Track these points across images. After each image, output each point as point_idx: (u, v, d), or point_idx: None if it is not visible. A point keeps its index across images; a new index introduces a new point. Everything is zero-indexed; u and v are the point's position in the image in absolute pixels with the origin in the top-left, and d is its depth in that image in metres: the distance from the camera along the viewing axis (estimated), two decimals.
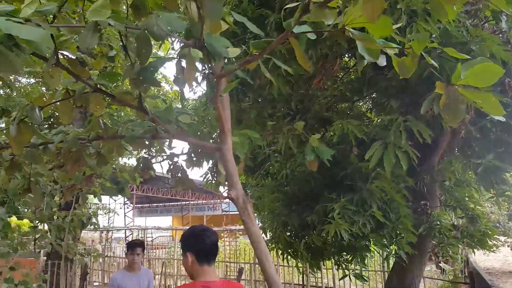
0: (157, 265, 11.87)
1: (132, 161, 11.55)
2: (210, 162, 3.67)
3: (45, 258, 7.75)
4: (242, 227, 12.74)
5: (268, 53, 1.50)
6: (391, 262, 4.10)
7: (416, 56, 1.31)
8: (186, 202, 31.65)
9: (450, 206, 4.05)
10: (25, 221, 7.11)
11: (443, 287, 8.44)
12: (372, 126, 3.33)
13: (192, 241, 2.00)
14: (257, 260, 7.19)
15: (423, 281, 6.08)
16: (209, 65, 3.32)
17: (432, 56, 2.16)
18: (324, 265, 6.80)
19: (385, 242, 3.33)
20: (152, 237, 22.16)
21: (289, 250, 4.37)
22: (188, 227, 2.20)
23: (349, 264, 3.61)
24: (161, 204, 34.74)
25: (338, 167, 3.43)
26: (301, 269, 5.77)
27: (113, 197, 29.87)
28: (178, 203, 32.93)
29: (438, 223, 3.62)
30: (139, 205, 33.77)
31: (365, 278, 3.66)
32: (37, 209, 5.70)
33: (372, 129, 3.14)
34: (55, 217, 5.73)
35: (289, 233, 4.24)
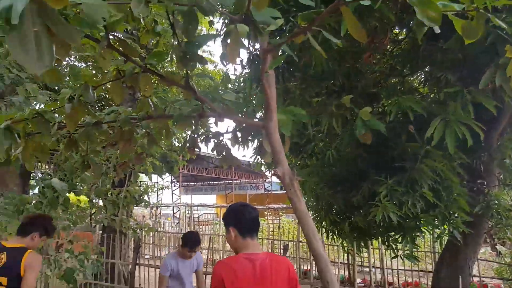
0: (203, 240, 12.30)
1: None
2: (255, 141, 3.68)
3: (100, 231, 8.26)
4: (285, 205, 12.84)
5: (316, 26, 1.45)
6: (443, 242, 3.94)
7: (484, 16, 1.19)
8: (230, 181, 32.28)
9: (509, 185, 3.81)
10: (82, 197, 7.56)
11: (499, 270, 8.07)
12: (427, 102, 3.16)
13: (233, 216, 2.12)
14: (301, 238, 7.20)
15: (477, 264, 5.83)
16: (254, 43, 3.31)
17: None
18: (371, 245, 6.71)
19: (437, 223, 3.21)
20: (198, 213, 22.89)
21: (334, 230, 4.34)
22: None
23: (398, 244, 3.51)
24: (206, 182, 35.71)
25: (386, 146, 3.31)
26: (346, 248, 5.73)
27: (161, 176, 31.15)
28: (222, 182, 33.69)
29: (496, 202, 3.41)
30: (185, 184, 34.91)
31: (417, 258, 3.56)
32: (92, 186, 6.04)
33: (428, 104, 2.98)
34: (109, 194, 6.05)
35: (334, 213, 4.19)
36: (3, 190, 7.33)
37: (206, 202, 27.89)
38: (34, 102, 6.11)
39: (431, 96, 3.66)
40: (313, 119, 3.34)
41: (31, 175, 9.40)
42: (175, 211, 25.34)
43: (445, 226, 3.18)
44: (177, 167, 5.12)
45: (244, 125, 2.74)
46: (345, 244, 4.67)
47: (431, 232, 3.50)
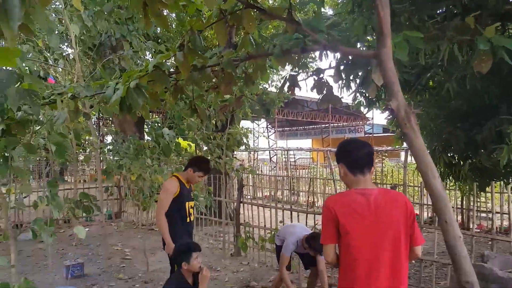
0: (300, 184, 12.56)
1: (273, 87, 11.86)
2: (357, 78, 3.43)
3: None
4: (389, 148, 12.28)
5: None
6: None
7: None
8: (326, 125, 31.77)
9: None
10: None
11: None
12: None
13: (342, 152, 2.09)
14: (408, 182, 6.80)
15: None
16: None
17: None
18: (489, 188, 6.11)
19: None
20: (294, 158, 23.28)
21: (450, 172, 4.00)
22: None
23: None
24: (301, 127, 35.74)
25: None
26: (464, 191, 5.31)
27: (256, 121, 31.98)
28: (317, 126, 33.34)
29: None
30: (280, 129, 35.38)
31: None
32: (198, 132, 6.42)
33: None
34: (212, 138, 6.40)
35: (450, 154, 3.83)
36: (124, 137, 8.19)
37: (301, 146, 28.06)
38: (141, 56, 6.52)
39: None
40: (429, 46, 2.95)
41: (145, 123, 10.37)
42: (271, 156, 26.12)
43: None
44: (274, 109, 5.12)
45: (350, 57, 2.54)
46: (461, 187, 4.31)
47: None
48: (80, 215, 7.11)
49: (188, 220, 3.74)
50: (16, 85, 2.13)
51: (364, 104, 4.55)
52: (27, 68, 2.89)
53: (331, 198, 2.06)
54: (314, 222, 5.92)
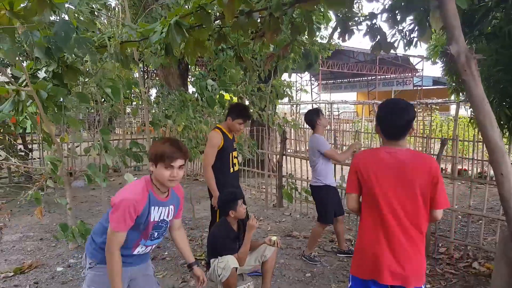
0: (344, 137, 12.38)
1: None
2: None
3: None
4: (440, 100, 11.68)
5: None
6: None
7: None
8: (373, 77, 30.56)
9: None
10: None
11: None
12: None
13: (380, 117, 2.04)
14: (458, 137, 6.50)
15: None
16: None
17: None
18: None
19: None
20: (338, 111, 22.81)
21: (506, 125, 3.76)
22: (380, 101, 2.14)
23: None
24: (346, 79, 34.63)
25: None
26: None
27: (299, 74, 31.31)
28: (363, 78, 32.16)
29: None
30: (324, 82, 34.47)
31: None
32: (241, 83, 6.39)
33: None
34: (256, 90, 6.35)
35: (509, 106, 3.58)
36: (169, 90, 8.34)
37: (346, 99, 27.40)
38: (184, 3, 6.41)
39: None
40: None
41: (188, 76, 10.48)
42: None
43: None
44: (318, 64, 4.93)
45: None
46: None
47: None
48: (130, 163, 7.47)
49: (232, 171, 3.78)
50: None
51: (402, 44, 4.25)
52: (78, 15, 2.96)
53: (360, 153, 2.14)
54: None
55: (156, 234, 2.18)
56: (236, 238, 3.16)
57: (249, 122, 9.13)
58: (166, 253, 4.42)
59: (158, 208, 2.13)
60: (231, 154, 3.77)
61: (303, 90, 15.64)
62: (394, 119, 1.96)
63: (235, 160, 3.84)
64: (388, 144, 2.02)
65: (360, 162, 2.05)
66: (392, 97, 28.38)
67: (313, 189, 4.24)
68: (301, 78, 32.79)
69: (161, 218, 2.15)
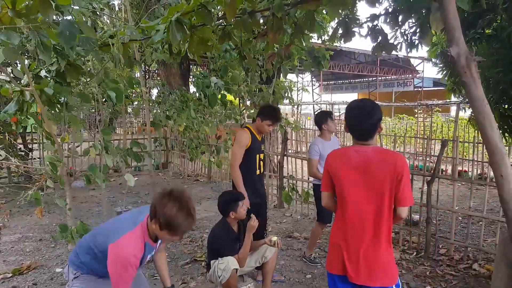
0: (345, 138, 12.38)
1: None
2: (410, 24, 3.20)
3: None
4: (440, 102, 11.69)
5: None
6: None
7: None
8: (374, 78, 30.56)
9: None
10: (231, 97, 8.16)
11: None
12: None
13: (347, 118, 2.09)
14: (458, 138, 6.49)
15: None
16: None
17: None
18: None
19: None
20: (339, 112, 22.80)
21: (505, 126, 3.77)
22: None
23: None
24: (347, 80, 34.62)
25: None
26: None
27: (300, 75, 31.31)
28: (364, 79, 32.16)
29: None
30: (325, 82, 34.47)
31: None
32: (243, 83, 6.39)
33: None
34: (258, 90, 6.36)
35: (507, 105, 3.59)
36: (170, 89, 8.34)
37: (347, 100, 27.35)
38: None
39: None
40: None
41: (190, 76, 10.50)
42: (315, 110, 25.74)
43: None
44: (326, 62, 4.88)
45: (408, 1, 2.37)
46: None
47: None
48: (130, 163, 7.47)
49: (258, 173, 3.70)
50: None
51: (404, 46, 4.26)
52: (81, 15, 2.97)
53: (332, 152, 2.18)
54: None
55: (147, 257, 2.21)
56: (237, 239, 3.16)
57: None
58: (166, 254, 4.41)
59: (151, 253, 2.17)
60: (258, 155, 3.68)
61: (305, 89, 15.63)
62: (359, 122, 2.02)
63: (261, 163, 3.75)
64: (357, 143, 2.06)
65: (331, 161, 2.12)
66: (393, 98, 28.42)
67: (314, 187, 4.21)
68: (302, 78, 32.80)
69: (150, 256, 2.20)
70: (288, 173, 6.54)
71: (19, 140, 8.58)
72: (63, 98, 3.28)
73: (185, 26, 2.09)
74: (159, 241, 2.21)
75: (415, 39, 3.23)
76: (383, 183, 1.92)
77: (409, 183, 1.96)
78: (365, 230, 1.97)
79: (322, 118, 4.11)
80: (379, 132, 2.07)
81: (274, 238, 3.16)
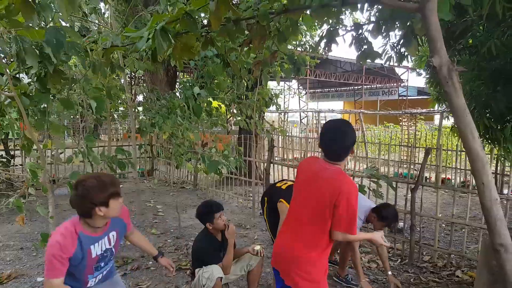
0: None
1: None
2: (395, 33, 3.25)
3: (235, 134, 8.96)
4: (424, 110, 11.90)
5: None
6: None
7: None
8: (359, 87, 30.96)
9: None
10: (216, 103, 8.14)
11: None
12: None
13: (320, 136, 2.15)
14: (443, 146, 6.59)
15: None
16: None
17: None
18: None
19: None
20: (325, 120, 22.96)
21: (487, 136, 3.83)
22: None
23: None
24: (333, 88, 35.00)
25: None
26: (498, 155, 5.12)
27: (287, 82, 31.51)
28: (350, 87, 32.56)
29: None
30: (311, 90, 34.77)
31: None
32: (228, 91, 6.39)
33: None
34: (243, 97, 6.36)
35: (489, 117, 3.65)
36: (158, 95, 8.27)
37: (333, 108, 27.61)
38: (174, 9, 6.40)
39: None
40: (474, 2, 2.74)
41: (177, 82, 10.45)
42: (302, 117, 25.89)
43: None
44: (305, 69, 4.95)
45: (391, 11, 2.40)
46: (496, 152, 4.15)
47: None
48: (115, 170, 7.39)
49: None
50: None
51: (394, 58, 4.31)
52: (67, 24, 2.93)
53: (305, 158, 2.37)
54: None
55: (102, 263, 2.14)
56: (220, 247, 3.13)
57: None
58: (151, 262, 4.35)
59: (97, 244, 2.07)
60: None
61: (292, 96, 15.72)
62: (331, 145, 2.08)
63: None
64: (326, 159, 2.13)
65: (300, 164, 2.30)
66: (378, 106, 28.80)
67: None
68: (289, 86, 33.01)
69: (103, 249, 2.11)
70: (274, 181, 6.53)
71: (1, 147, 8.39)
72: (43, 105, 3.21)
73: (169, 35, 2.09)
74: (114, 229, 2.17)
75: (404, 51, 3.29)
76: (323, 201, 2.01)
77: (349, 213, 1.98)
78: (297, 240, 2.11)
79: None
80: (351, 155, 2.16)
81: (257, 247, 3.15)
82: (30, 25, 2.30)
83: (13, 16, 2.21)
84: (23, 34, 2.40)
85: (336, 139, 2.06)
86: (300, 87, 34.18)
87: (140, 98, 16.58)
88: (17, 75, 3.14)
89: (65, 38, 2.35)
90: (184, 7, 2.21)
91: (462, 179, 8.17)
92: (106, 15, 7.24)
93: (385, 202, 3.80)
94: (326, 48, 2.79)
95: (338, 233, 2.03)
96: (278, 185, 3.68)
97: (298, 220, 2.14)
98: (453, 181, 8.40)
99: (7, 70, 2.85)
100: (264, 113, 7.43)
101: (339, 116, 29.14)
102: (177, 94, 6.70)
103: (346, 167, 10.51)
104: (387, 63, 3.54)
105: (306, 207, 2.11)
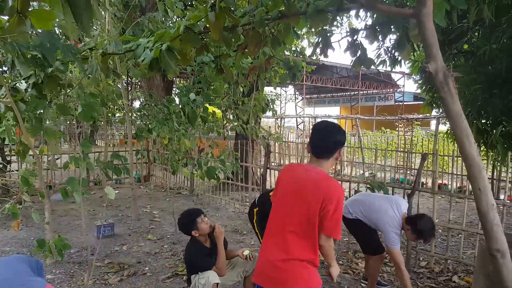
0: None
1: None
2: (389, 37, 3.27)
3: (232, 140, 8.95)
4: (420, 116, 11.94)
5: None
6: None
7: None
8: (355, 92, 31.07)
9: None
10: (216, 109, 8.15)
11: None
12: None
13: (311, 134, 2.19)
14: (439, 152, 6.62)
15: None
16: None
17: None
18: None
19: None
20: None
21: (481, 139, 3.86)
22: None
23: None
24: (329, 94, 35.10)
25: None
26: (493, 160, 5.15)
27: (284, 88, 31.59)
28: (346, 93, 32.67)
29: None
30: (308, 96, 34.85)
31: None
32: (225, 97, 6.39)
33: None
34: (240, 103, 6.36)
35: (484, 120, 3.69)
36: (156, 100, 8.27)
37: (329, 114, 27.68)
38: (172, 16, 6.40)
39: None
40: (467, 8, 2.76)
41: (173, 87, 10.45)
42: (298, 123, 25.93)
43: None
44: (300, 74, 4.97)
45: (385, 18, 2.42)
46: (491, 155, 4.17)
47: None
48: (111, 176, 7.34)
49: None
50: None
51: (388, 63, 4.32)
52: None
53: (288, 164, 2.35)
54: None
55: None
56: (211, 252, 3.11)
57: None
58: (147, 268, 4.32)
59: None
60: None
61: (288, 101, 15.75)
62: (320, 140, 2.11)
63: None
64: (312, 162, 2.14)
65: (281, 172, 2.26)
66: (374, 112, 28.89)
67: (350, 222, 3.74)
68: (286, 92, 33.09)
69: None
70: (271, 186, 6.52)
71: None
72: (40, 111, 3.20)
73: (175, 52, 2.11)
74: None
75: (397, 55, 3.31)
76: (308, 205, 2.00)
77: (336, 216, 1.98)
78: (281, 249, 2.05)
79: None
80: (337, 159, 2.15)
81: (246, 252, 3.16)
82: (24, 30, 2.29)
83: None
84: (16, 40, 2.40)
85: (326, 133, 2.10)
86: (297, 93, 34.27)
87: (136, 104, 16.56)
88: (15, 86, 3.13)
89: (59, 41, 2.35)
90: (182, 23, 2.22)
91: (458, 185, 8.20)
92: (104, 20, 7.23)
93: (420, 213, 3.53)
94: (322, 54, 2.80)
95: (325, 237, 2.03)
96: (271, 194, 3.65)
97: (281, 232, 2.08)
98: (449, 186, 8.44)
99: (4, 80, 2.85)
100: (260, 118, 7.42)
101: (335, 121, 29.28)
102: (176, 98, 6.70)
103: (342, 173, 10.49)
104: (381, 66, 3.57)
105: (292, 215, 2.06)
